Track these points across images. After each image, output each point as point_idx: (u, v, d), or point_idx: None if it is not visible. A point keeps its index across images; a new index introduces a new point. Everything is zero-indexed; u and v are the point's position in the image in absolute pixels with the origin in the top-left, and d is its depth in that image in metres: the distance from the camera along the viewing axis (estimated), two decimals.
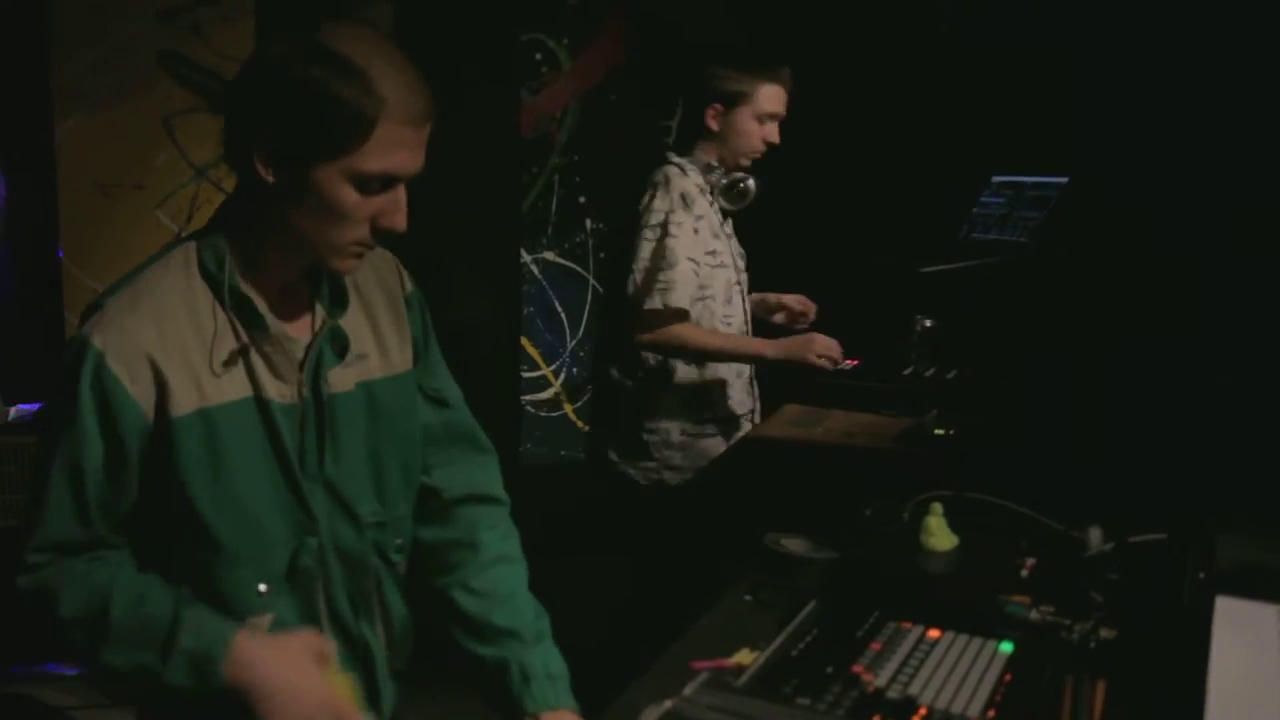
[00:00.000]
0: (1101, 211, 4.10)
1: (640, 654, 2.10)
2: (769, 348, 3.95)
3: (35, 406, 5.16)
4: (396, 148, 1.83)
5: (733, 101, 3.90)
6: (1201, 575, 2.16)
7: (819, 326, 4.16)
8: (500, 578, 2.22)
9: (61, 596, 1.88)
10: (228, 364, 1.92)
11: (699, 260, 3.84)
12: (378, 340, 2.12)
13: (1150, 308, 3.66)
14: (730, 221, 4.10)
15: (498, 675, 2.15)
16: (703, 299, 3.89)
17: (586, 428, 6.45)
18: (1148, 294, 3.72)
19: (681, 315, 3.81)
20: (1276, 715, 1.71)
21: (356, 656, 2.13)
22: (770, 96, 3.93)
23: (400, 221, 1.90)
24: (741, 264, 4.14)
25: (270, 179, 1.84)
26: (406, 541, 2.22)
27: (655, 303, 3.76)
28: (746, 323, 4.12)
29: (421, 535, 2.25)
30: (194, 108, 5.44)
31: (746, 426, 4.11)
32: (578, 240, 6.50)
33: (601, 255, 6.43)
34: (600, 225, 6.40)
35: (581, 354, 6.54)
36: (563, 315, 6.58)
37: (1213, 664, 1.83)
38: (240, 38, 5.41)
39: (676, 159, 3.98)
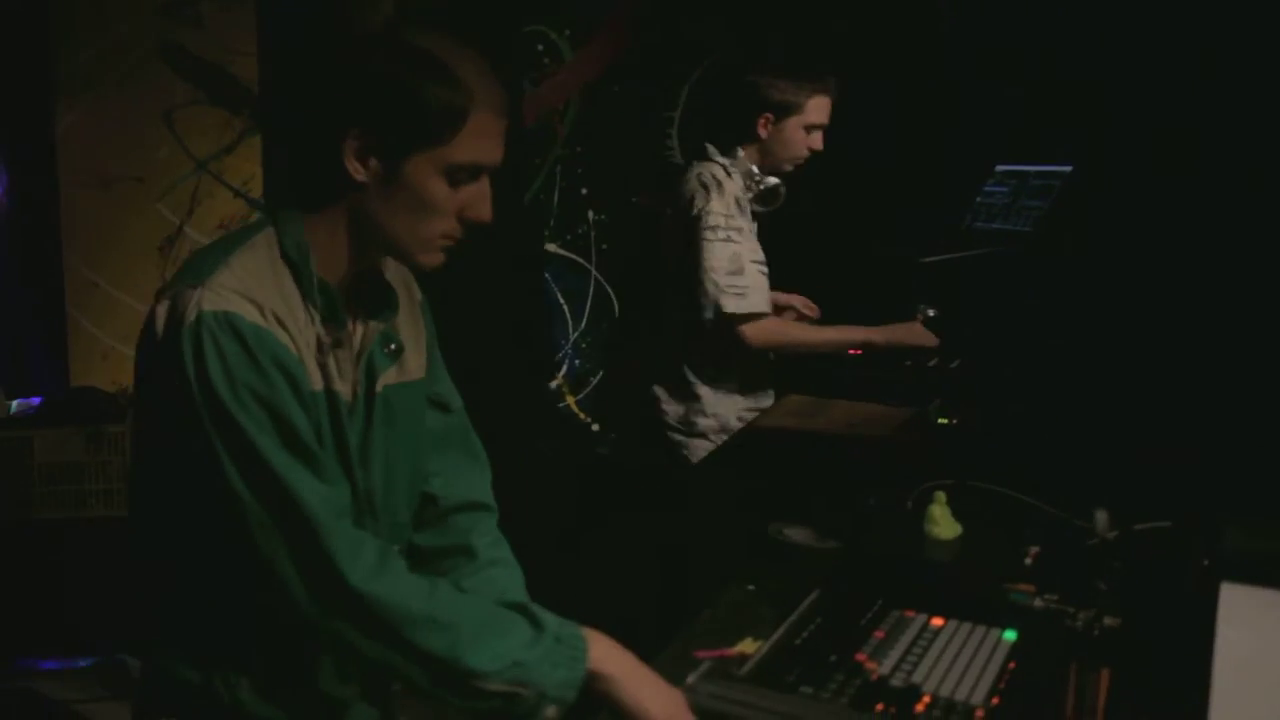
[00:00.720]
0: (1106, 200, 4.10)
1: (644, 644, 2.07)
2: (878, 334, 4.08)
3: (37, 400, 5.17)
4: (484, 138, 1.86)
5: (784, 112, 3.95)
6: (1206, 562, 2.16)
7: (828, 318, 4.21)
8: (494, 579, 2.20)
9: (404, 602, 1.82)
10: (319, 352, 1.92)
11: (760, 263, 3.95)
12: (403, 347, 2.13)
13: (1155, 296, 3.66)
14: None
15: None
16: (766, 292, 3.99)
17: (588, 419, 6.48)
18: (1152, 283, 3.71)
19: (758, 319, 3.93)
20: None
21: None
22: (818, 108, 3.99)
23: (487, 212, 1.92)
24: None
25: (360, 176, 1.85)
26: (404, 547, 2.20)
27: (740, 306, 3.87)
28: None
29: (416, 540, 2.23)
30: (195, 100, 5.45)
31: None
32: (580, 232, 6.49)
33: (604, 247, 6.42)
34: (602, 217, 6.39)
35: (584, 346, 6.54)
36: (565, 307, 6.58)
37: (1217, 651, 1.83)
38: (241, 30, 5.42)
39: (720, 159, 4.02)
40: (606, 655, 1.87)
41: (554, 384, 6.63)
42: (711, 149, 4.04)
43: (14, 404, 5.15)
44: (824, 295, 4.33)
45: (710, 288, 3.85)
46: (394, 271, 2.14)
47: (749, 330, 3.88)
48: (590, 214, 6.45)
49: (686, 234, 3.91)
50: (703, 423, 4.04)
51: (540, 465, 5.68)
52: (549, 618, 1.86)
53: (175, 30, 5.43)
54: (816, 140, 4.03)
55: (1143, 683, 1.94)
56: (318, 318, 1.92)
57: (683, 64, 6.04)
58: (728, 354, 3.96)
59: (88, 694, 4.60)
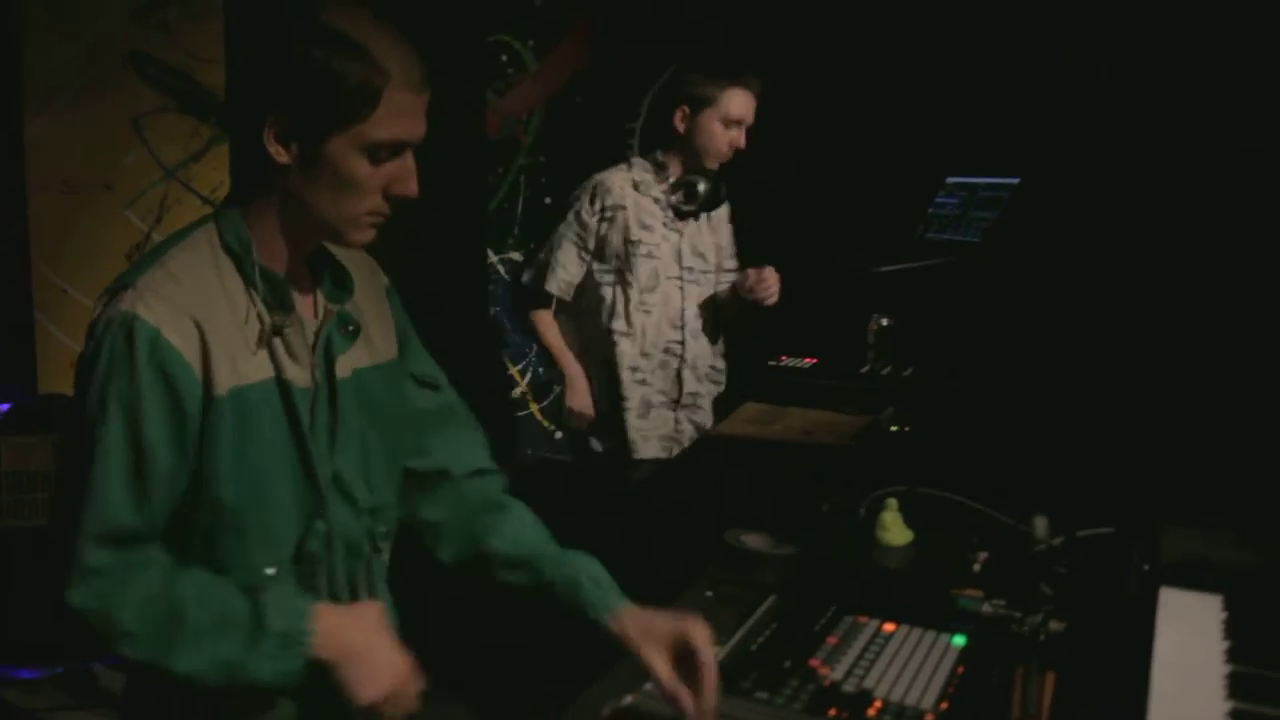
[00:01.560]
0: (1052, 211, 4.14)
1: (603, 649, 2.10)
2: (571, 373, 4.25)
3: (4, 407, 5.15)
4: (402, 114, 1.87)
5: (699, 105, 3.96)
6: (1146, 568, 2.22)
7: (782, 327, 4.25)
8: (529, 524, 2.25)
9: (121, 611, 1.83)
10: (259, 343, 1.93)
11: (588, 246, 4.11)
12: (365, 330, 2.13)
13: (1098, 306, 3.70)
14: (703, 220, 4.17)
15: (569, 591, 2.13)
16: (619, 284, 4.11)
17: (551, 426, 6.50)
18: (1096, 293, 3.75)
19: (547, 299, 4.15)
20: (1218, 702, 1.76)
21: None
22: (736, 101, 3.99)
23: (412, 187, 1.93)
24: (701, 264, 4.20)
25: (283, 158, 1.87)
26: (391, 530, 2.22)
27: (529, 277, 4.17)
28: (682, 314, 4.19)
29: (439, 517, 2.27)
30: (163, 108, 5.44)
31: (667, 412, 4.23)
32: (544, 241, 6.50)
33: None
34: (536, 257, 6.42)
35: None
36: None
37: (1156, 653, 1.88)
38: (209, 38, 5.40)
39: (635, 159, 4.15)
40: (328, 641, 1.88)
41: (517, 392, 6.65)
42: (635, 157, 4.19)
43: None
44: (781, 304, 4.35)
45: (534, 258, 4.18)
46: (355, 255, 2.17)
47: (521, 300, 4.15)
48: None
49: None
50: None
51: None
52: (276, 615, 1.86)
53: (143, 37, 5.41)
54: (737, 137, 4.05)
55: (1086, 685, 1.97)
56: (263, 306, 1.95)
57: (645, 74, 6.07)
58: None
59: (55, 703, 4.58)
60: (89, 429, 1.84)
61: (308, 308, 2.05)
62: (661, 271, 4.10)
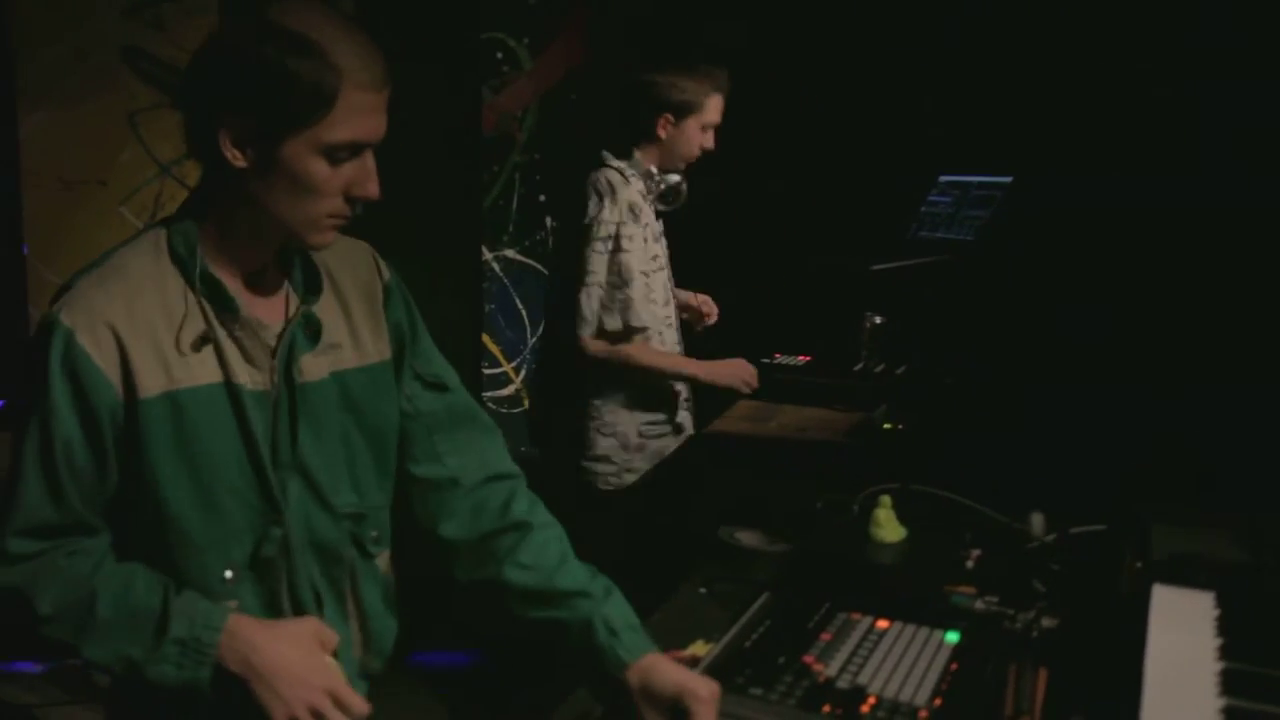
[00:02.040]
0: (1045, 210, 4.15)
1: None
2: (702, 370, 4.04)
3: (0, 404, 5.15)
4: (360, 114, 1.83)
5: (684, 111, 3.91)
6: (1139, 565, 2.22)
7: (776, 324, 4.23)
8: (547, 545, 2.14)
9: (40, 594, 1.86)
10: (195, 347, 1.91)
11: (648, 271, 3.89)
12: (351, 330, 2.11)
13: (1089, 304, 3.71)
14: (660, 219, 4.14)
15: (581, 635, 2.02)
16: (650, 303, 3.93)
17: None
18: (1088, 291, 3.76)
19: (641, 332, 3.87)
20: (1210, 699, 1.76)
21: None
22: (717, 106, 3.95)
23: (372, 189, 1.90)
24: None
25: (240, 163, 1.84)
26: (383, 534, 2.20)
27: (616, 321, 3.81)
28: (677, 319, 4.17)
29: (456, 536, 2.18)
30: (158, 104, 5.42)
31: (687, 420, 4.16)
32: (538, 238, 6.52)
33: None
34: (560, 223, 6.42)
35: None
36: (523, 312, 6.60)
37: (1149, 650, 1.89)
38: (203, 33, 5.31)
39: (616, 163, 3.97)
40: (235, 655, 1.86)
41: (512, 388, 6.66)
42: (607, 154, 3.99)
43: None
44: (772, 302, 4.37)
45: (589, 300, 3.84)
46: (352, 251, 2.15)
47: (600, 341, 3.87)
48: (548, 220, 6.47)
49: (580, 241, 3.89)
50: (602, 443, 3.99)
51: None
52: (179, 621, 1.85)
53: (138, 34, 5.40)
54: (710, 139, 3.99)
55: (1079, 682, 1.98)
56: (210, 311, 1.93)
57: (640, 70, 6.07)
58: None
59: (48, 699, 4.58)
60: (21, 424, 1.87)
61: (275, 309, 2.03)
62: (666, 281, 4.06)
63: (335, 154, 1.84)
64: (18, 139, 5.30)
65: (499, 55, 6.39)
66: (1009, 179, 4.27)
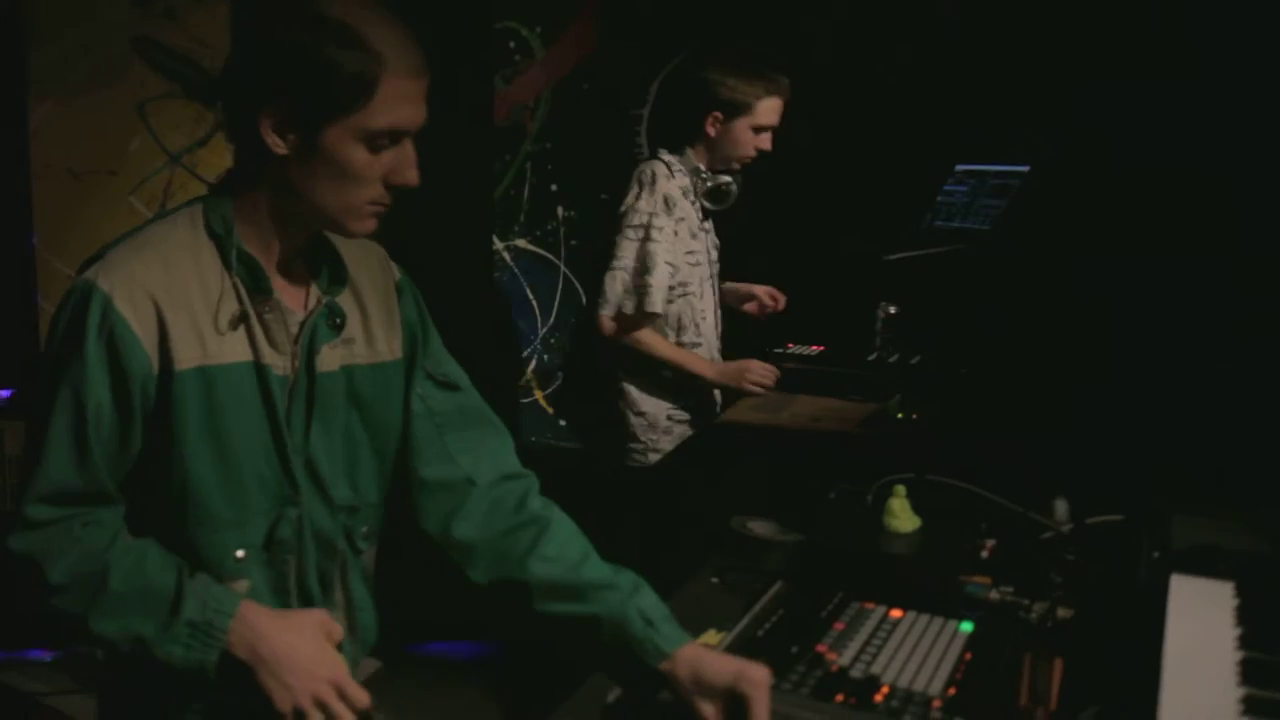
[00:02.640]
0: (1062, 199, 4.13)
1: None
2: (709, 370, 4.08)
3: (7, 393, 5.16)
4: (400, 102, 1.85)
5: (734, 111, 3.92)
6: (1156, 554, 2.20)
7: (790, 314, 4.22)
8: (568, 539, 2.13)
9: (54, 562, 1.85)
10: (233, 325, 1.92)
11: (677, 263, 3.93)
12: (365, 327, 2.12)
13: (1107, 294, 3.69)
14: (710, 217, 4.14)
15: (615, 629, 1.99)
16: (684, 295, 3.99)
17: (556, 414, 6.48)
18: (1104, 280, 3.75)
19: (652, 319, 3.93)
20: (1230, 688, 1.74)
21: None
22: (770, 110, 3.96)
23: (413, 176, 1.91)
24: (715, 256, 4.18)
25: (281, 149, 1.85)
26: (372, 531, 2.20)
27: (630, 306, 3.88)
28: (716, 314, 4.16)
29: (472, 536, 2.15)
30: (168, 93, 5.42)
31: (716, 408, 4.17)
32: (549, 228, 6.50)
33: (573, 243, 6.43)
34: (572, 213, 6.40)
35: (553, 341, 6.54)
36: (534, 302, 6.58)
37: (1167, 640, 1.87)
38: (214, 23, 5.39)
39: (668, 157, 4.02)
40: (243, 641, 1.85)
41: (523, 379, 6.65)
42: (661, 149, 4.06)
43: None
44: (788, 291, 4.36)
45: (612, 282, 3.91)
46: (364, 248, 2.16)
47: (616, 324, 3.94)
48: (560, 210, 6.46)
49: (612, 227, 3.97)
50: (632, 420, 4.06)
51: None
52: (192, 603, 1.85)
53: (148, 23, 5.39)
54: (765, 141, 4.02)
55: (1095, 672, 1.96)
56: (244, 290, 1.94)
57: (652, 61, 6.05)
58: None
59: (55, 686, 4.59)
60: (44, 391, 1.86)
61: (297, 298, 2.04)
62: (703, 276, 4.09)
63: (376, 141, 1.86)
64: (27, 129, 5.31)
65: (511, 44, 6.37)
66: (1026, 168, 4.26)
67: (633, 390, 4.04)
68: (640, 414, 4.03)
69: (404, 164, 1.90)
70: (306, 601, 2.09)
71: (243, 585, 1.99)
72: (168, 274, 1.89)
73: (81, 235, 5.34)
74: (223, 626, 1.85)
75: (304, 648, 1.89)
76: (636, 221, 3.88)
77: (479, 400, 2.29)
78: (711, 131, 3.95)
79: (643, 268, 3.85)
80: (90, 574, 1.86)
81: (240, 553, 1.99)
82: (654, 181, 3.91)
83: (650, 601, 2.03)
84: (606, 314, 3.91)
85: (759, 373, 4.05)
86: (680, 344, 4.04)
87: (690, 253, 3.99)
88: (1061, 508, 2.65)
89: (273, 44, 1.83)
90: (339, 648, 2.00)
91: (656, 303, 3.85)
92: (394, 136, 1.87)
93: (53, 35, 5.29)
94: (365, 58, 1.80)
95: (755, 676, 1.87)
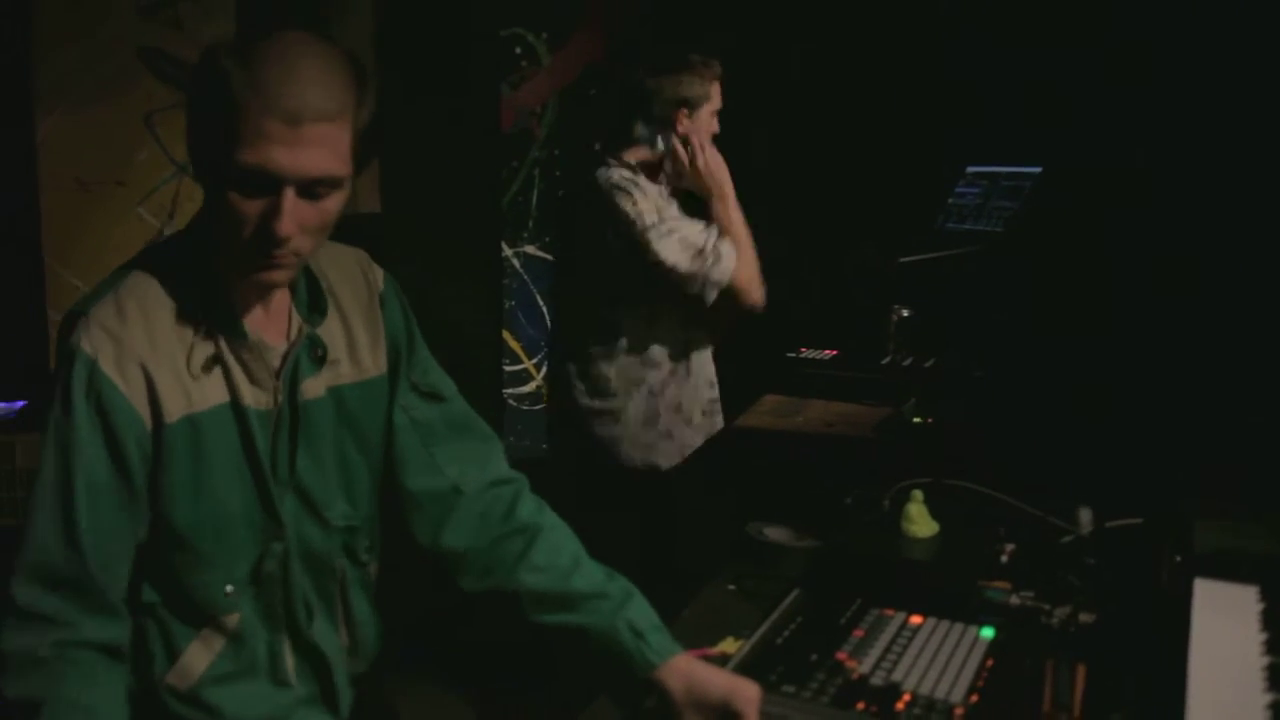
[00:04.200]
0: (1075, 200, 4.13)
1: None
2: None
3: (18, 405, 5.16)
4: (266, 141, 1.73)
5: (696, 104, 3.93)
6: (1179, 559, 2.19)
7: (803, 318, 4.21)
8: (559, 546, 2.13)
9: (14, 676, 1.79)
10: (206, 368, 1.90)
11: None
12: (350, 346, 2.10)
13: (1125, 295, 3.69)
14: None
15: (604, 638, 1.99)
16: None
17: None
18: (1121, 281, 3.74)
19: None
20: (1257, 694, 1.73)
21: (310, 664, 2.10)
22: (719, 92, 3.99)
23: (279, 227, 1.77)
24: None
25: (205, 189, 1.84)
26: (375, 544, 2.20)
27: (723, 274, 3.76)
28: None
29: (462, 544, 2.15)
30: (175, 104, 5.40)
31: (704, 419, 4.12)
32: (558, 234, 6.50)
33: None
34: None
35: None
36: (544, 308, 6.59)
37: (1193, 645, 1.86)
38: (221, 33, 5.38)
39: (626, 162, 3.94)
40: None
41: (533, 385, 6.64)
42: (611, 157, 3.97)
43: None
44: (801, 295, 4.35)
45: (695, 271, 3.74)
46: (343, 258, 2.13)
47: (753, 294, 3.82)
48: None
49: (622, 243, 3.78)
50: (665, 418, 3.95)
51: (516, 465, 5.68)
52: None
53: (154, 34, 5.39)
54: (716, 123, 4.02)
55: (1119, 678, 1.95)
56: (219, 333, 1.92)
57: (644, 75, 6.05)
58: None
59: None
60: (42, 459, 1.84)
61: (278, 329, 2.02)
62: None
63: (242, 181, 1.76)
64: (34, 140, 5.30)
65: (518, 50, 6.37)
66: (1038, 169, 4.25)
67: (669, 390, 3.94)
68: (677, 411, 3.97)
69: (273, 213, 1.78)
70: (295, 630, 2.07)
71: (233, 619, 1.99)
72: (149, 328, 1.86)
73: (90, 246, 5.33)
74: None
75: None
76: (650, 221, 3.77)
77: (464, 408, 2.27)
78: (681, 127, 3.94)
79: (698, 249, 3.75)
80: (22, 714, 1.80)
81: (229, 589, 1.97)
82: (644, 190, 3.84)
83: (640, 612, 2.03)
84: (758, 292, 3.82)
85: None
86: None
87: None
88: (1086, 516, 2.64)
89: (198, 69, 1.78)
90: (329, 669, 2.07)
91: (727, 267, 3.77)
92: (261, 179, 1.76)
93: (59, 47, 5.29)
94: (243, 87, 1.71)
95: (748, 693, 1.87)
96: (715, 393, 4.03)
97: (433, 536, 2.17)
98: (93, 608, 1.84)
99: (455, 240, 5.77)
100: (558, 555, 2.11)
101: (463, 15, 5.81)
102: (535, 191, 6.49)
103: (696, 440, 3.93)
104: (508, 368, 6.65)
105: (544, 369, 6.62)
